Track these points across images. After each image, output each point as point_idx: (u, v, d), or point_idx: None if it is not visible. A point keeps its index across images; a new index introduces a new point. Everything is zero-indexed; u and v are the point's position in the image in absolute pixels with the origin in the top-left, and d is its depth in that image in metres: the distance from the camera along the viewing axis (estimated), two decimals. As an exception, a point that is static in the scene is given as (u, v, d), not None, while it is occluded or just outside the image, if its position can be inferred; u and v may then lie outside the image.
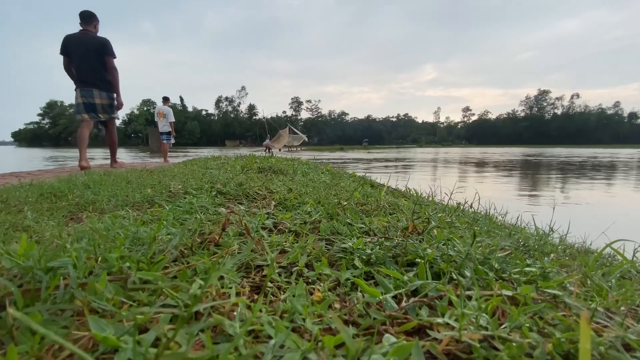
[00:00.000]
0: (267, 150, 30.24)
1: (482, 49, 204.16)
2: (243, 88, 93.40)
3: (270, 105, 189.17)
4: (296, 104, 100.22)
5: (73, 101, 4.03)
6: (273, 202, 1.19)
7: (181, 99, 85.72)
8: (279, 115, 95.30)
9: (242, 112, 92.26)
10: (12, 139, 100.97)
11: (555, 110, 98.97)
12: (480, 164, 11.60)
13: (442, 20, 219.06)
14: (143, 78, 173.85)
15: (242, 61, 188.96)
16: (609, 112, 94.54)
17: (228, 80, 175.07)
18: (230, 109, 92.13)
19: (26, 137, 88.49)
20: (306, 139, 34.18)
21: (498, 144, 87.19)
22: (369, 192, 1.48)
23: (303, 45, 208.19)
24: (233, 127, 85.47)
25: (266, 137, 29.62)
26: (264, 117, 42.70)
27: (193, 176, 1.50)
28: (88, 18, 3.91)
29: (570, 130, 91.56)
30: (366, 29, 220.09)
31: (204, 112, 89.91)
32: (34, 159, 13.65)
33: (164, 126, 8.07)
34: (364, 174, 3.28)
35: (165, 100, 8.33)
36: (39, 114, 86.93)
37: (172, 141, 8.30)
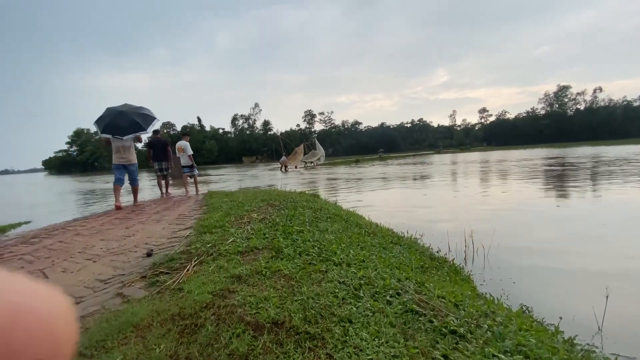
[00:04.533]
0: (283, 168, 30.56)
1: (494, 47, 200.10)
2: (257, 105, 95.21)
3: (283, 119, 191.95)
4: (309, 116, 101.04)
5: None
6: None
7: (199, 120, 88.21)
8: (293, 129, 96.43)
9: (257, 128, 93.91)
10: (42, 167, 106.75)
11: (578, 106, 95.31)
12: (507, 176, 11.11)
13: (451, 21, 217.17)
14: (162, 101, 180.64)
15: (254, 78, 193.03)
16: (635, 104, 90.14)
17: (242, 97, 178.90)
18: (246, 125, 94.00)
19: (56, 165, 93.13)
20: (323, 156, 34.29)
21: (519, 145, 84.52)
22: None
23: (313, 57, 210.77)
24: (249, 143, 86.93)
25: (282, 154, 30.03)
26: (278, 133, 43.17)
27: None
28: (156, 132, 8.04)
29: (595, 125, 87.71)
30: (374, 37, 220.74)
31: (220, 131, 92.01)
32: (70, 196, 14.22)
33: (185, 160, 8.64)
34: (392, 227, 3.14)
35: (185, 135, 9.00)
36: (67, 142, 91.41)
37: (196, 172, 8.98)
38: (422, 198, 8.22)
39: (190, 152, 8.60)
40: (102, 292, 2.18)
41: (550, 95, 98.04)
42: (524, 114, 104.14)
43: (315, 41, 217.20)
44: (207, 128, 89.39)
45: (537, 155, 28.55)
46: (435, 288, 1.88)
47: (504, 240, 4.03)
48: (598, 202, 6.68)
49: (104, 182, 26.33)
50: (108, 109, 6.74)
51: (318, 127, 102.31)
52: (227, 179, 20.64)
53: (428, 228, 4.87)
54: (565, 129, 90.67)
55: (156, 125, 7.11)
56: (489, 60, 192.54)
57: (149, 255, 3.02)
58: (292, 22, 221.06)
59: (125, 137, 6.42)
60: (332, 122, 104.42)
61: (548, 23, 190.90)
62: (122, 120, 6.46)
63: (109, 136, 6.41)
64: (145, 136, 6.99)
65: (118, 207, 6.37)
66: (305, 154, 32.51)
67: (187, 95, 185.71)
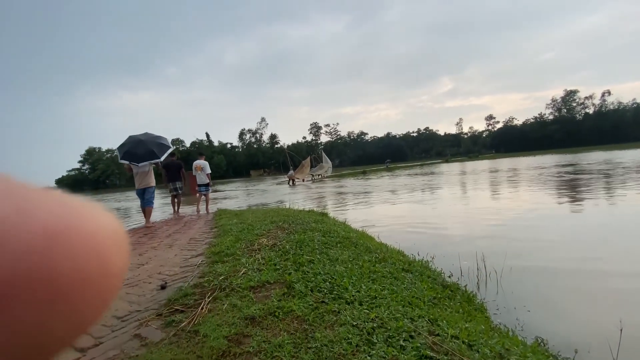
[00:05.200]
0: (290, 182, 30.58)
1: (498, 54, 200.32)
2: (263, 119, 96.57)
3: (290, 132, 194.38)
4: (315, 129, 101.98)
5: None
6: None
7: (207, 135, 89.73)
8: (299, 141, 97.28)
9: (264, 142, 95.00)
10: (55, 185, 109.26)
11: (587, 110, 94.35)
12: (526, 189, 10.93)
13: (453, 30, 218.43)
14: (172, 118, 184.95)
15: (261, 93, 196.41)
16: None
17: (250, 112, 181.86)
18: (253, 140, 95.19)
19: (68, 183, 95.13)
20: (330, 168, 34.45)
21: (527, 151, 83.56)
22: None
23: (317, 71, 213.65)
24: (257, 157, 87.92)
25: (290, 168, 30.24)
26: (285, 147, 43.82)
27: None
28: (172, 154, 8.07)
29: (605, 129, 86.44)
30: (377, 48, 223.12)
31: (228, 145, 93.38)
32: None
33: (202, 179, 8.91)
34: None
35: (201, 155, 9.43)
36: (80, 161, 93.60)
37: (210, 190, 9.39)
38: (433, 213, 8.16)
39: (209, 171, 8.94)
40: (119, 332, 2.22)
41: (558, 100, 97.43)
42: (532, 120, 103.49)
43: (319, 55, 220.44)
44: (216, 143, 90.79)
45: (549, 162, 28.12)
46: (449, 326, 1.88)
47: (517, 261, 3.96)
48: (622, 213, 6.50)
49: (115, 200, 26.80)
50: (130, 137, 7.47)
51: (324, 138, 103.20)
52: (235, 195, 20.83)
53: (440, 247, 4.84)
54: (574, 134, 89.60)
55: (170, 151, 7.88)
56: (493, 67, 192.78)
57: (163, 287, 3.07)
58: (296, 38, 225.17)
59: (140, 164, 7.02)
60: (338, 133, 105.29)
61: (553, 28, 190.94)
62: (140, 149, 7.14)
63: (127, 162, 7.07)
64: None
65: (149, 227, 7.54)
66: (312, 166, 32.69)
67: (195, 112, 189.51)
